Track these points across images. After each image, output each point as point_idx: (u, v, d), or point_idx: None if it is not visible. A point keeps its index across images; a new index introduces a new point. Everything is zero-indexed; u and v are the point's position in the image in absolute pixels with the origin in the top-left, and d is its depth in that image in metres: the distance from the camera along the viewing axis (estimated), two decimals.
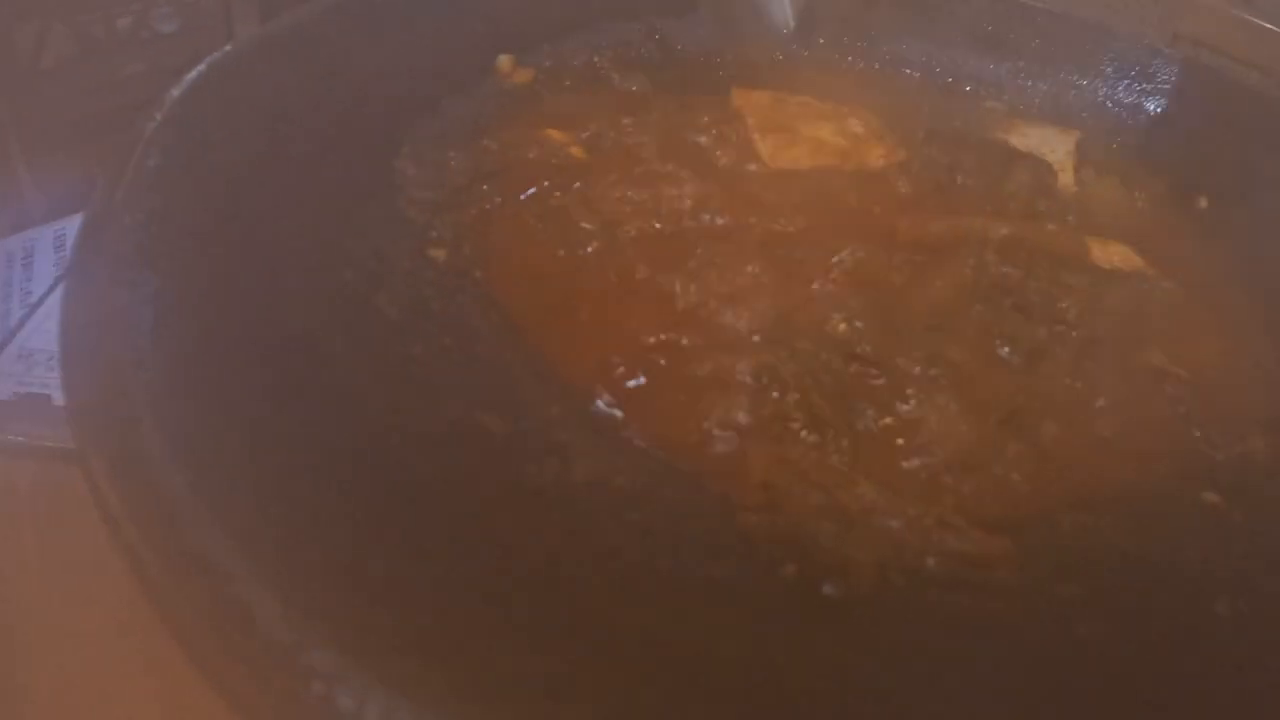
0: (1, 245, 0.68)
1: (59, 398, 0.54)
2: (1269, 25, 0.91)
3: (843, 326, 0.36)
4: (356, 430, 0.27)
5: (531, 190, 0.42)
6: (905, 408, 0.33)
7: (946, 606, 0.28)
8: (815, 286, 0.37)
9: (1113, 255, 0.46)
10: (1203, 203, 0.53)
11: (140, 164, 0.33)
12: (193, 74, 0.39)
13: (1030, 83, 0.59)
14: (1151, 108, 0.58)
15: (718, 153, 0.45)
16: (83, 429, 0.24)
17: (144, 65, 0.97)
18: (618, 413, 0.32)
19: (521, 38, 0.52)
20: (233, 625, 0.19)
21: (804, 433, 0.32)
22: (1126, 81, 0.59)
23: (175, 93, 0.38)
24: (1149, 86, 0.59)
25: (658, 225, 0.40)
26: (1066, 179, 0.51)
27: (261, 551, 0.20)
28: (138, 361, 0.25)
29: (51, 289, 0.63)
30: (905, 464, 0.32)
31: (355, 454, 0.26)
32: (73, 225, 0.69)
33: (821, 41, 0.59)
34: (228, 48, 0.43)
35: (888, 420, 0.33)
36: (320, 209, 0.37)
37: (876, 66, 0.58)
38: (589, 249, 0.39)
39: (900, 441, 0.33)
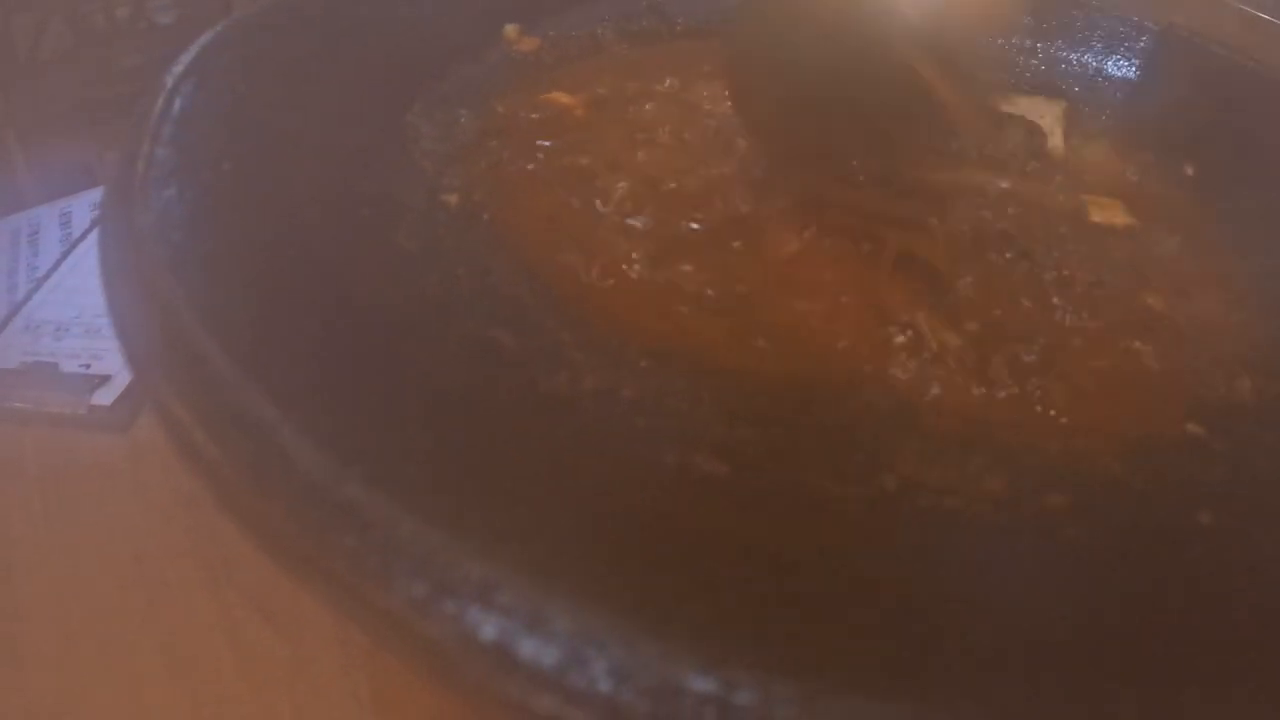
0: (7, 223, 0.70)
1: (66, 366, 0.56)
2: (1264, 16, 0.95)
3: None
4: (378, 335, 0.29)
5: (539, 146, 0.44)
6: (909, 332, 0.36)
7: (938, 510, 0.30)
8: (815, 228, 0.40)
9: (1109, 214, 0.48)
10: (1189, 170, 0.56)
11: (167, 106, 0.36)
12: (209, 33, 0.41)
13: (1021, 58, 0.62)
14: (1139, 81, 0.61)
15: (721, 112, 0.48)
16: (125, 322, 0.26)
17: (141, 57, 1.00)
18: (624, 338, 0.34)
19: (527, 8, 0.55)
20: (274, 471, 0.21)
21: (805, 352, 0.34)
22: (1116, 57, 0.62)
23: (195, 49, 0.40)
24: (1138, 62, 0.61)
25: (659, 178, 0.43)
26: (1056, 143, 0.54)
27: (299, 409, 0.22)
28: (173, 267, 0.27)
29: (57, 264, 0.65)
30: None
31: (376, 354, 0.28)
32: (78, 203, 0.72)
33: None
34: (235, 14, 0.45)
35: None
36: (337, 156, 0.39)
37: None
38: (599, 193, 0.41)
39: (904, 357, 0.35)
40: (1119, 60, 0.62)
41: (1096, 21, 0.63)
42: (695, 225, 0.40)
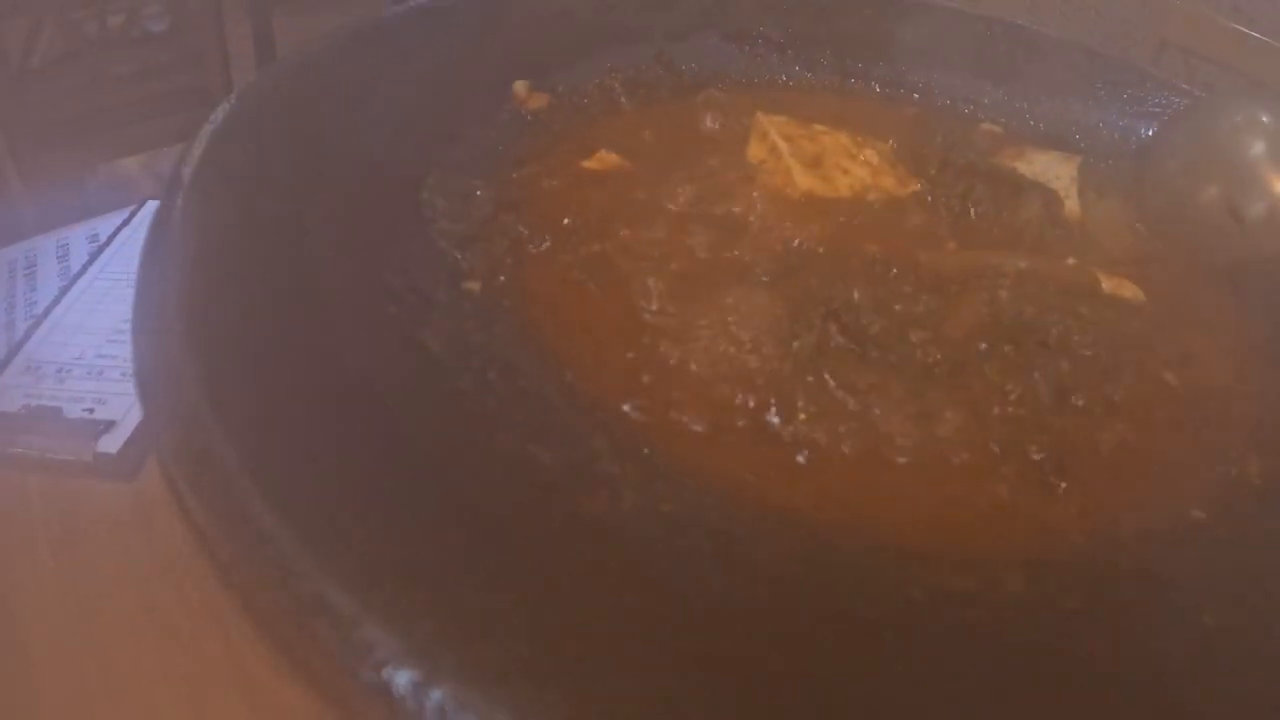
0: (3, 256, 0.70)
1: (70, 410, 0.56)
2: (1255, 34, 0.96)
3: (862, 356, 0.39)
4: (416, 460, 0.30)
5: (556, 219, 0.45)
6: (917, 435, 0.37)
7: (958, 621, 0.31)
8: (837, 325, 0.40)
9: (1120, 286, 0.50)
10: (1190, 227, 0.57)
11: (187, 201, 0.36)
12: (220, 112, 0.41)
13: (1026, 105, 0.64)
14: (1142, 130, 0.62)
15: (741, 183, 0.48)
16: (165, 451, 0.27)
17: (134, 65, 0.99)
18: (654, 440, 0.35)
19: (535, 63, 0.55)
20: (307, 619, 0.22)
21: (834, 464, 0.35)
22: (1119, 104, 0.63)
23: (210, 128, 0.40)
24: (1140, 109, 0.63)
25: (680, 259, 0.43)
26: (1072, 205, 0.55)
27: (330, 553, 0.23)
28: (212, 401, 0.28)
29: (57, 300, 0.65)
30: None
31: (417, 483, 0.29)
32: (75, 235, 0.72)
33: (824, 62, 0.62)
34: (251, 81, 0.45)
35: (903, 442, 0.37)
36: (357, 246, 0.40)
37: (877, 89, 0.62)
38: (617, 281, 0.42)
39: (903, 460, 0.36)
40: (1121, 107, 0.63)
41: (1097, 68, 0.64)
42: (720, 313, 0.40)
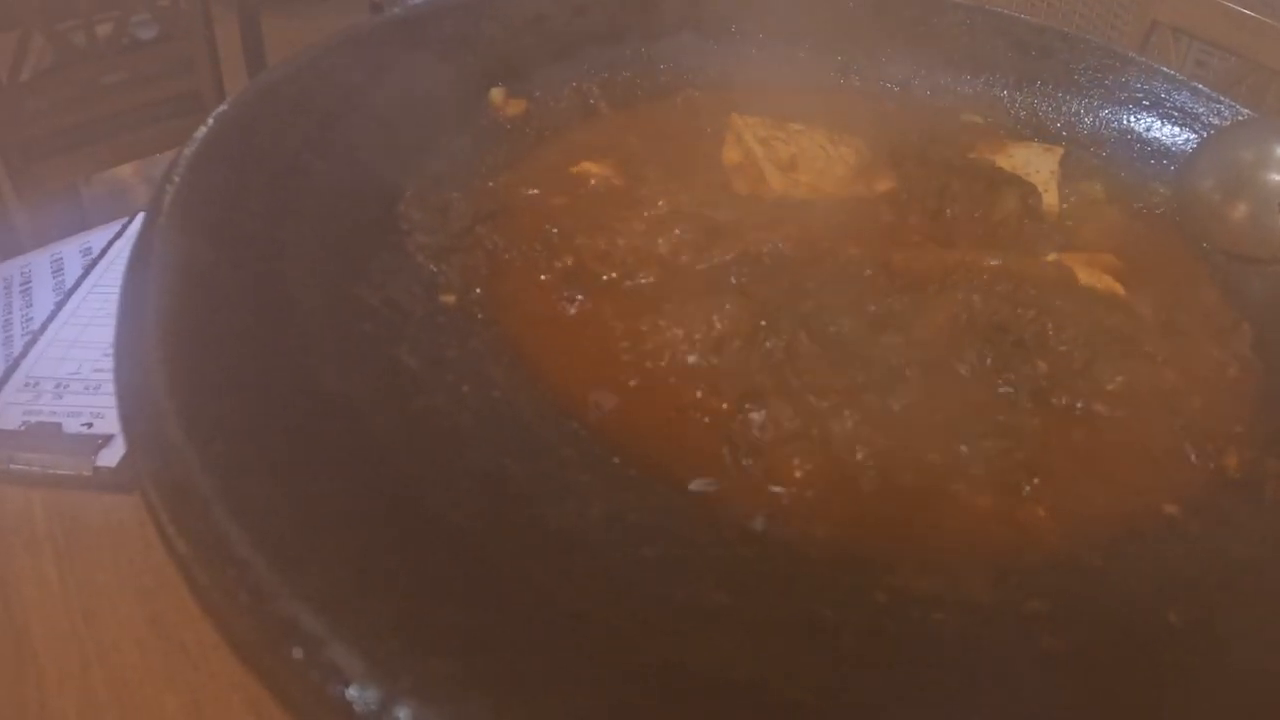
0: None
1: (69, 426, 0.58)
2: (1247, 11, 0.96)
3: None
4: (389, 480, 0.31)
5: (534, 230, 0.46)
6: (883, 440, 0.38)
7: (921, 624, 0.33)
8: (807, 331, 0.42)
9: (1099, 280, 0.51)
10: (1177, 216, 0.58)
11: (166, 228, 0.37)
12: (202, 131, 0.42)
13: (1006, 94, 0.64)
14: (1125, 119, 0.63)
15: (718, 186, 0.49)
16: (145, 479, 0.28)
17: (124, 74, 1.01)
18: (624, 450, 0.37)
19: (513, 68, 0.56)
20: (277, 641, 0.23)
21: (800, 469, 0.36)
22: (1100, 90, 0.63)
23: (188, 151, 0.41)
24: (1121, 95, 0.63)
25: (654, 265, 0.45)
26: (1051, 199, 0.56)
27: (332, 608, 0.24)
28: (189, 430, 0.29)
29: (53, 315, 0.66)
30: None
31: (390, 502, 0.30)
32: (69, 249, 0.73)
33: (803, 56, 0.63)
34: (229, 102, 0.46)
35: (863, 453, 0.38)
36: (334, 262, 0.41)
37: (857, 83, 0.62)
38: (591, 289, 0.43)
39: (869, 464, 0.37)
40: (1104, 95, 0.63)
41: (1079, 55, 0.64)
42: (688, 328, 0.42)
